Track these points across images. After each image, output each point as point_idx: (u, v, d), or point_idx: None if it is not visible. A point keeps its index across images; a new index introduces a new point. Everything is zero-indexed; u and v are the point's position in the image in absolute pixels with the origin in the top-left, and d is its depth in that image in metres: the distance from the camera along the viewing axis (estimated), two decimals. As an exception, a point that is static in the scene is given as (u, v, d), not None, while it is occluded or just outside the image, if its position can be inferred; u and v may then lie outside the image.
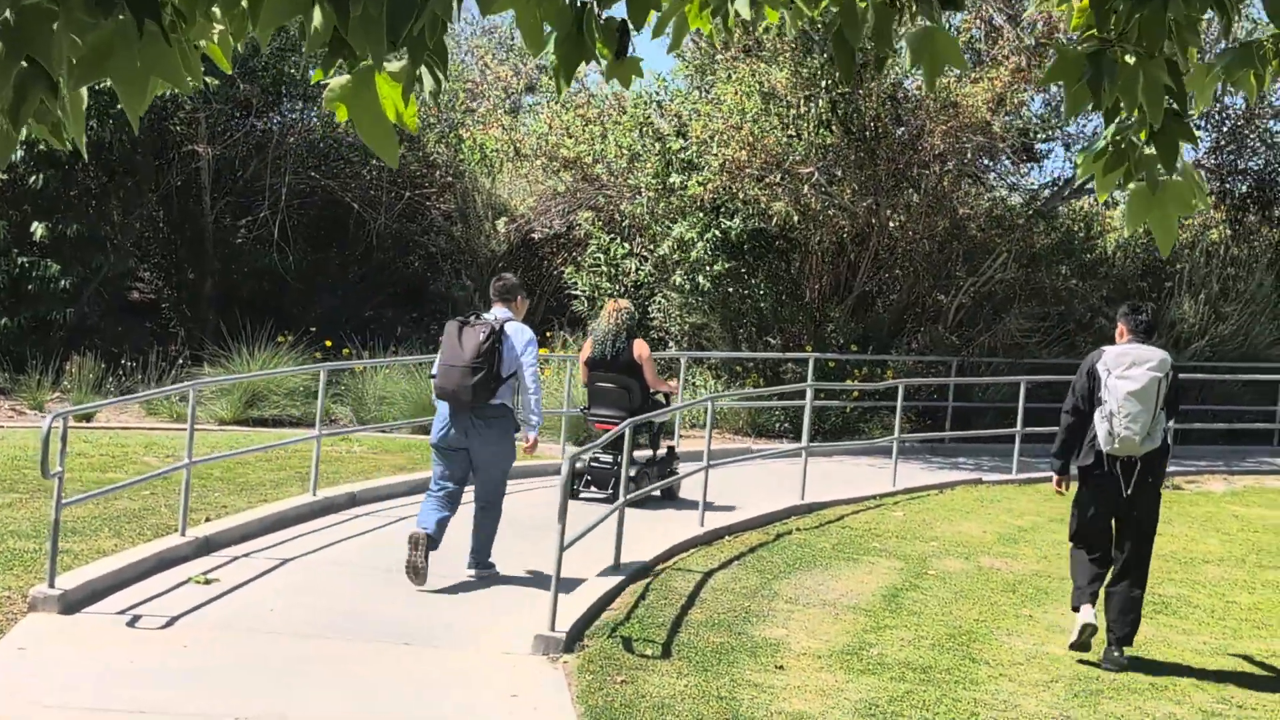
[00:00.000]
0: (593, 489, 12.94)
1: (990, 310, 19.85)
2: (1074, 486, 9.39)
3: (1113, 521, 9.09)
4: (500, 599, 9.32)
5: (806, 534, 12.07)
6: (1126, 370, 8.90)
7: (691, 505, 12.67)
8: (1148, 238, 22.26)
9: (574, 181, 20.54)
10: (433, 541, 9.52)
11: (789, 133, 17.94)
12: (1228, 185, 22.40)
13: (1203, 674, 8.76)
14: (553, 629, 8.26)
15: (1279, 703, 8.22)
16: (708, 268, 18.47)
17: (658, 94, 19.84)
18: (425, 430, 15.64)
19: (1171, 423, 9.28)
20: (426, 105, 23.03)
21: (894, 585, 10.46)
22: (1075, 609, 9.06)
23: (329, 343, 18.98)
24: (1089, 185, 21.15)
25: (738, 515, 12.38)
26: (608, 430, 11.94)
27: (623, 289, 20.39)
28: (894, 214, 18.63)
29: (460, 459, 9.79)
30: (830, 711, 7.36)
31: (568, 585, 8.62)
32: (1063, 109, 19.81)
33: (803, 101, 17.97)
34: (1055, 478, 9.56)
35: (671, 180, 18.55)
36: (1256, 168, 22.08)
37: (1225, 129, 21.59)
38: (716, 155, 17.92)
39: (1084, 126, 20.94)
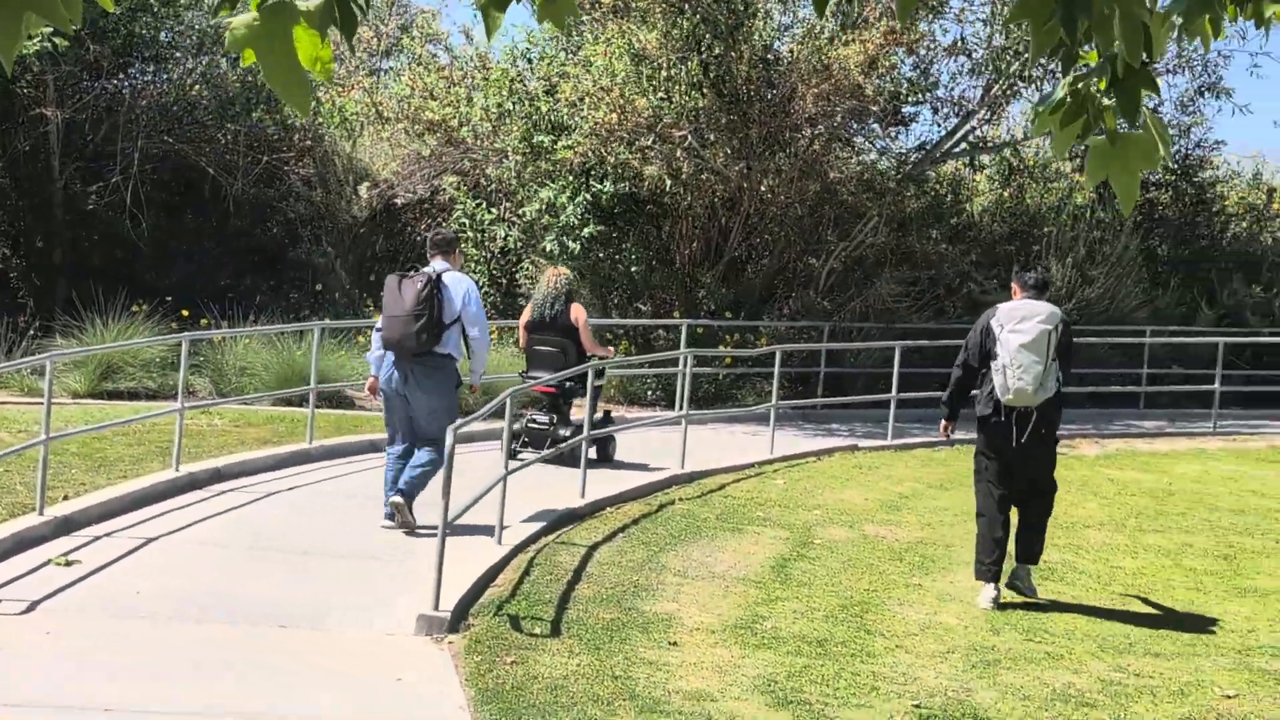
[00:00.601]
0: (529, 450, 13.09)
1: (861, 275, 19.77)
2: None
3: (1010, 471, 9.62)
4: (383, 575, 8.96)
5: (689, 504, 11.85)
6: (1018, 324, 9.35)
7: (618, 466, 13.21)
8: (1014, 202, 22.40)
9: (438, 145, 20.09)
10: (403, 502, 10.12)
11: (660, 95, 17.67)
12: (1092, 149, 22.50)
13: (1097, 641, 8.67)
14: (436, 608, 7.94)
15: (1175, 670, 8.15)
16: (578, 231, 18.15)
17: (527, 51, 19.44)
18: (289, 402, 15.20)
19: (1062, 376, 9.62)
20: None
21: (781, 555, 10.27)
22: (978, 579, 9.52)
23: (186, 312, 18.35)
24: (956, 149, 21.18)
25: (619, 486, 12.12)
26: (546, 392, 13.03)
27: (489, 255, 20.01)
28: (766, 178, 18.43)
29: (405, 406, 10.32)
30: (729, 689, 7.14)
31: (458, 561, 8.28)
32: (992, 62, 19.88)
33: (674, 63, 17.70)
34: (943, 423, 10.13)
35: (539, 140, 18.18)
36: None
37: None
38: (587, 118, 17.59)
39: (952, 90, 20.93)
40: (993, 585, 9.42)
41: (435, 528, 7.90)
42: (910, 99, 19.68)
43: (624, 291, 19.56)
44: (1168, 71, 21.77)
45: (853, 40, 17.67)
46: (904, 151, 20.69)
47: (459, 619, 8.00)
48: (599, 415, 13.75)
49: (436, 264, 10.51)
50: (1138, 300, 21.34)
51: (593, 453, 12.96)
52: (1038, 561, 9.75)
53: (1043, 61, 20.40)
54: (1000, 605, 9.33)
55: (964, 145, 21.35)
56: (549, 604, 8.48)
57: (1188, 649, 8.67)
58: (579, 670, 7.23)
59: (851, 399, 17.89)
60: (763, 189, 18.58)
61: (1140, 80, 3.58)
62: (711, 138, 17.97)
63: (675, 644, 7.83)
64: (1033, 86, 21.11)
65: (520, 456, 12.44)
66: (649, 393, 18.41)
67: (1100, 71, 3.63)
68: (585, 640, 7.77)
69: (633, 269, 18.89)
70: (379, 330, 10.46)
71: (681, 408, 14.22)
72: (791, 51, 18.09)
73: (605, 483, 12.11)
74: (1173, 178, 22.82)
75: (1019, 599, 9.57)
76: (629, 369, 18.14)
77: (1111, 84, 3.60)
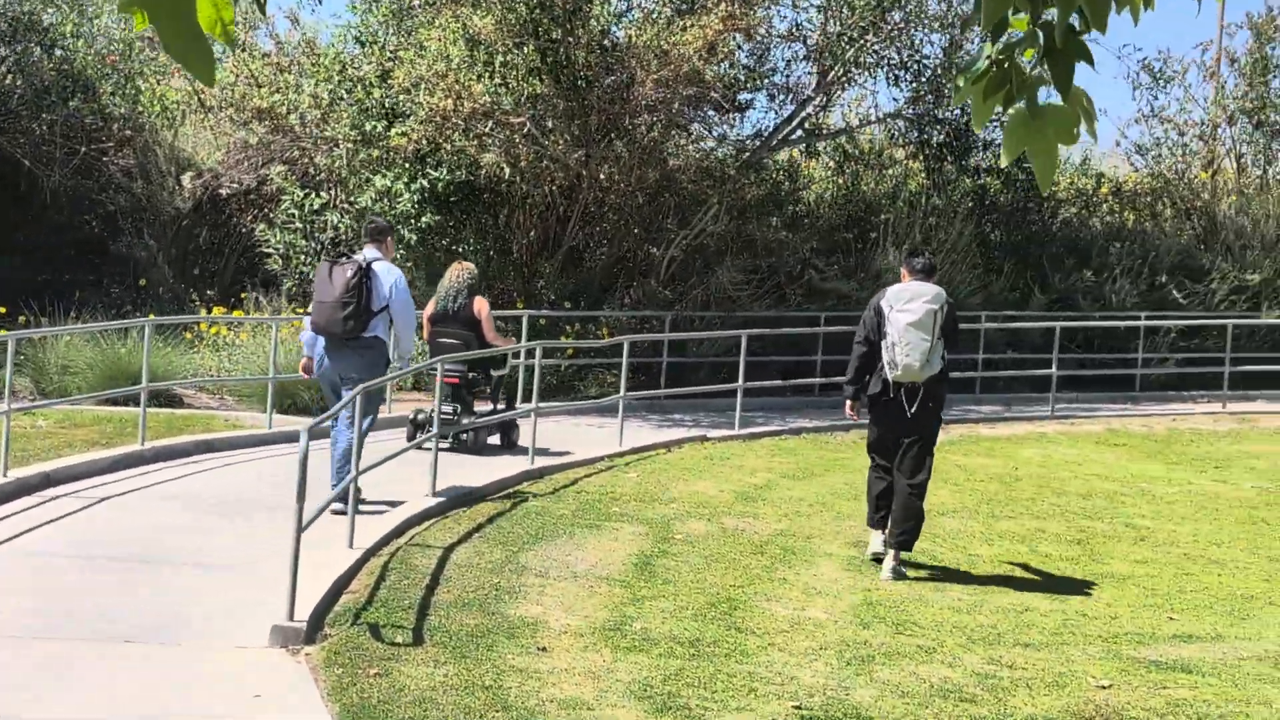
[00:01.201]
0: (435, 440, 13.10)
1: (702, 264, 19.62)
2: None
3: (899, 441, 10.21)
4: (232, 584, 8.53)
5: (544, 501, 11.56)
6: (906, 304, 9.99)
7: (522, 451, 13.19)
8: (850, 189, 22.45)
9: (265, 133, 19.50)
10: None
11: (497, 81, 17.32)
12: (926, 135, 22.64)
13: (966, 633, 8.58)
14: (291, 618, 7.55)
15: (1047, 661, 8.08)
16: (414, 221, 17.72)
17: (359, 34, 18.91)
18: (115, 402, 14.56)
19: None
20: (123, 48, 21.61)
21: (643, 552, 10.04)
22: (870, 528, 10.50)
23: (3, 309, 17.57)
24: (792, 136, 21.15)
25: (469, 482, 11.78)
26: (450, 384, 13.44)
27: (320, 246, 19.46)
28: (605, 165, 18.17)
29: (339, 386, 10.85)
30: (604, 695, 6.88)
31: (309, 566, 7.88)
32: (868, 37, 19.77)
33: (510, 49, 17.35)
34: (848, 403, 10.65)
35: (371, 127, 17.71)
36: (953, 117, 22.33)
37: (924, 78, 21.77)
38: (422, 104, 17.18)
39: (788, 76, 20.88)
40: (882, 532, 10.25)
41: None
42: (748, 85, 19.58)
43: (462, 283, 19.17)
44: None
45: (692, 25, 17.50)
46: (742, 139, 20.59)
47: (315, 629, 7.62)
48: (501, 405, 14.48)
49: (368, 252, 10.98)
50: (973, 286, 21.49)
51: (495, 439, 14.17)
52: (911, 549, 10.23)
53: (878, 48, 20.49)
54: (870, 601, 9.21)
55: (799, 132, 21.33)
56: (409, 610, 8.14)
57: (1055, 639, 8.62)
58: (447, 681, 6.91)
59: (707, 388, 17.63)
60: (602, 177, 18.33)
61: (1075, 50, 3.39)
62: (550, 125, 17.68)
63: (545, 649, 7.55)
64: (865, 72, 21.18)
65: (425, 447, 12.18)
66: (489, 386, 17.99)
67: (1030, 41, 3.44)
68: (450, 648, 7.45)
69: (471, 259, 18.50)
70: (309, 315, 11.08)
71: (530, 401, 13.91)
72: (630, 37, 17.86)
73: (457, 480, 11.77)
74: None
75: (886, 593, 9.46)
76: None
77: (1046, 53, 3.40)
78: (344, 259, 10.90)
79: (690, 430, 16.08)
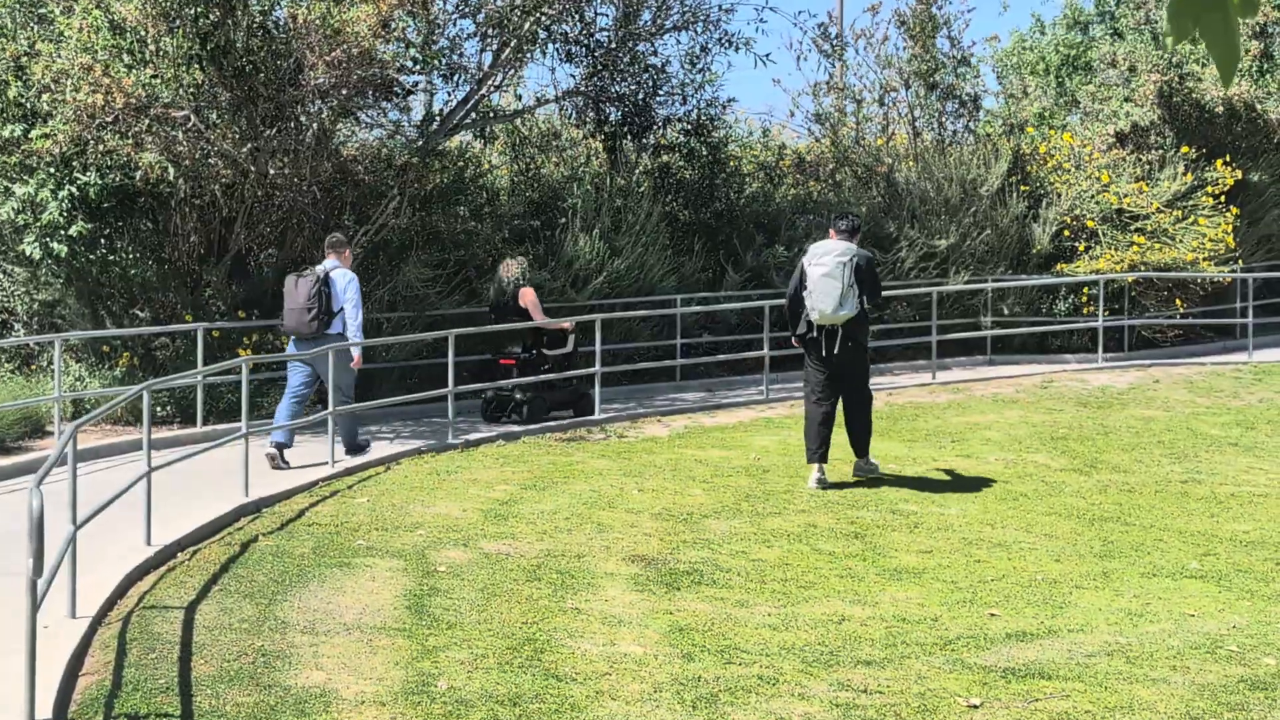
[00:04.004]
0: (500, 414, 16.87)
1: (386, 260, 18.54)
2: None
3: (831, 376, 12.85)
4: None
5: (276, 539, 10.45)
6: (820, 259, 12.56)
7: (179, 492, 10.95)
8: (532, 174, 21.69)
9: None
10: (281, 448, 13.73)
11: (150, 72, 15.87)
12: (603, 113, 22.05)
13: (796, 654, 7.96)
14: (32, 717, 6.34)
15: (897, 680, 7.52)
16: (63, 232, 16.14)
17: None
18: None
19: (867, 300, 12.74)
20: None
21: (409, 591, 9.08)
22: (808, 462, 12.97)
23: None
24: (468, 119, 20.25)
25: (184, 525, 10.55)
26: (507, 364, 16.95)
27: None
28: (275, 159, 16.91)
29: (305, 369, 14.15)
30: (440, 777, 5.94)
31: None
32: (452, 38, 18.88)
33: (163, 35, 15.93)
34: (793, 339, 13.11)
35: (10, 131, 16.06)
36: (629, 93, 21.82)
37: (599, 54, 21.18)
38: (66, 101, 15.63)
39: (463, 54, 19.94)
40: (818, 467, 12.84)
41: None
42: (424, 65, 18.56)
43: (121, 297, 17.63)
44: (675, 28, 21.57)
45: (362, 0, 16.40)
46: (419, 123, 19.56)
47: (62, 728, 6.45)
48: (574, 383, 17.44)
49: (328, 262, 14.23)
50: (665, 268, 21.03)
51: (569, 413, 17.20)
52: (867, 453, 13.19)
53: (549, 23, 19.76)
54: (678, 626, 8.47)
55: (473, 116, 20.43)
56: (169, 692, 7.01)
57: (892, 652, 8.08)
58: (249, 780, 5.87)
59: (411, 397, 16.50)
60: (271, 172, 17.04)
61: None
62: (215, 117, 16.33)
63: (350, 726, 6.56)
64: (538, 48, 20.42)
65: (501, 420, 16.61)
66: (158, 408, 16.56)
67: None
68: (237, 736, 6.39)
69: (131, 271, 17.00)
70: (280, 321, 14.65)
71: (241, 423, 12.71)
72: (296, 16, 16.63)
73: (171, 521, 10.52)
74: (684, 138, 22.61)
75: (690, 615, 8.76)
76: (189, 380, 16.25)
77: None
78: (306, 271, 14.09)
79: (404, 444, 15.08)
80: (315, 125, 17.29)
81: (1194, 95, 25.23)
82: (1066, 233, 23.87)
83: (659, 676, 7.48)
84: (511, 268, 16.94)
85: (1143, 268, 22.86)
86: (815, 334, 12.67)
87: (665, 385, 20.24)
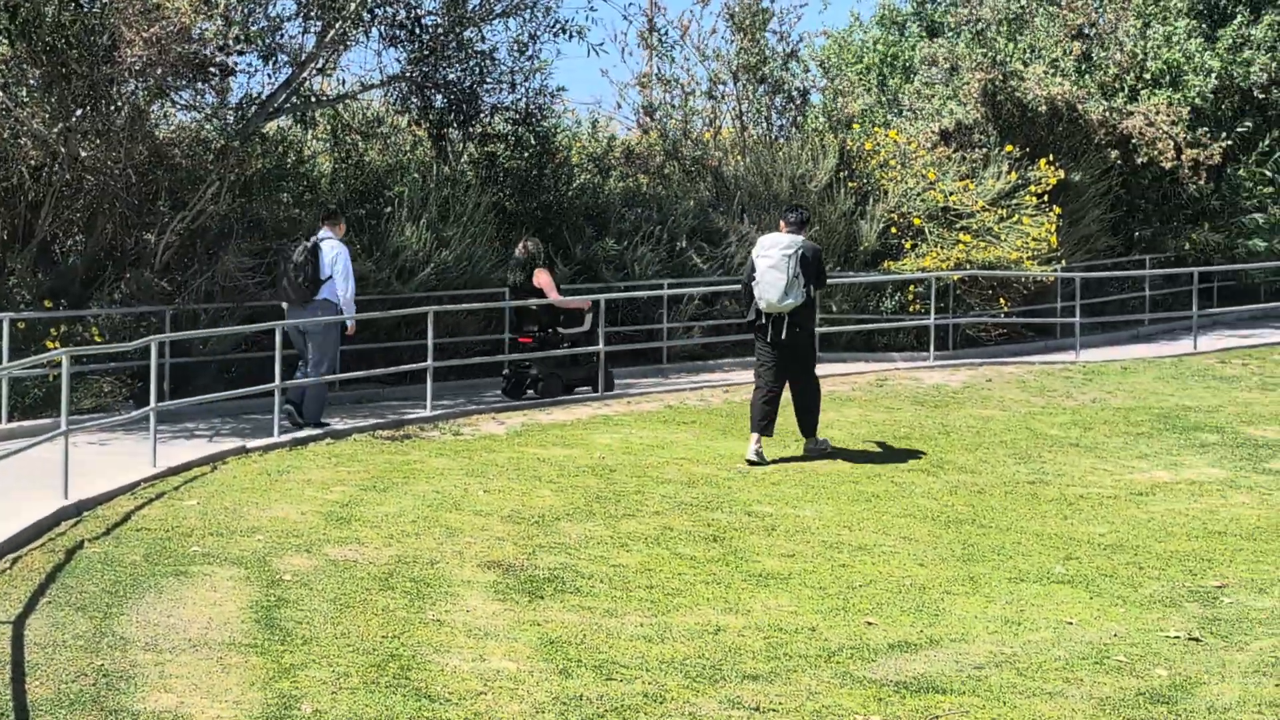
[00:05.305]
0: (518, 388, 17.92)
1: (204, 249, 17.73)
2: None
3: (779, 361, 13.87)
4: None
5: (104, 545, 9.77)
6: (767, 251, 13.62)
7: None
8: (356, 161, 21.05)
9: None
10: (297, 408, 15.02)
11: (-49, 45, 14.97)
12: (428, 100, 21.43)
13: (678, 669, 7.61)
14: None
15: (789, 696, 7.23)
16: None
17: None
18: None
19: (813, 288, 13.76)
20: None
21: (256, 602, 8.52)
22: (751, 431, 13.89)
23: None
24: (287, 104, 19.53)
25: (4, 529, 9.81)
26: (525, 342, 17.89)
27: None
28: (87, 140, 16.04)
29: (301, 339, 15.08)
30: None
31: None
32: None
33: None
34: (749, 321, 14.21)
35: None
36: (456, 79, 21.22)
37: (425, 38, 20.55)
38: None
39: (286, 34, 19.19)
40: (757, 437, 13.77)
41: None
42: (245, 44, 17.79)
43: (-84, 286, 16.60)
44: (504, 14, 21.05)
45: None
46: (239, 105, 18.73)
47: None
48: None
49: (322, 233, 15.31)
50: (494, 260, 20.49)
51: (587, 389, 18.15)
52: (814, 433, 14.20)
53: (374, 6, 19.14)
54: (549, 639, 8.05)
55: (295, 100, 19.68)
56: (4, 717, 6.38)
57: (776, 665, 7.78)
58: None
59: (242, 392, 15.61)
60: (83, 154, 16.17)
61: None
62: (24, 95, 15.44)
63: (210, 755, 6.03)
64: (361, 30, 19.76)
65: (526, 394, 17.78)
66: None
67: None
68: (87, 769, 5.82)
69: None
70: (272, 288, 16.04)
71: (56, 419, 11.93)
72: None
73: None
74: (512, 127, 22.08)
75: (559, 626, 8.34)
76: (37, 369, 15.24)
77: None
78: (300, 240, 15.38)
79: (223, 442, 14.39)
80: (129, 106, 16.47)
81: (1017, 94, 25.45)
82: (894, 230, 23.86)
83: (538, 695, 7.06)
84: (522, 249, 17.83)
85: (968, 266, 22.95)
86: (764, 321, 13.75)
87: (495, 381, 19.73)
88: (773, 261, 13.49)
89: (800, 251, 13.52)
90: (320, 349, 15.01)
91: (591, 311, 18.16)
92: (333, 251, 15.03)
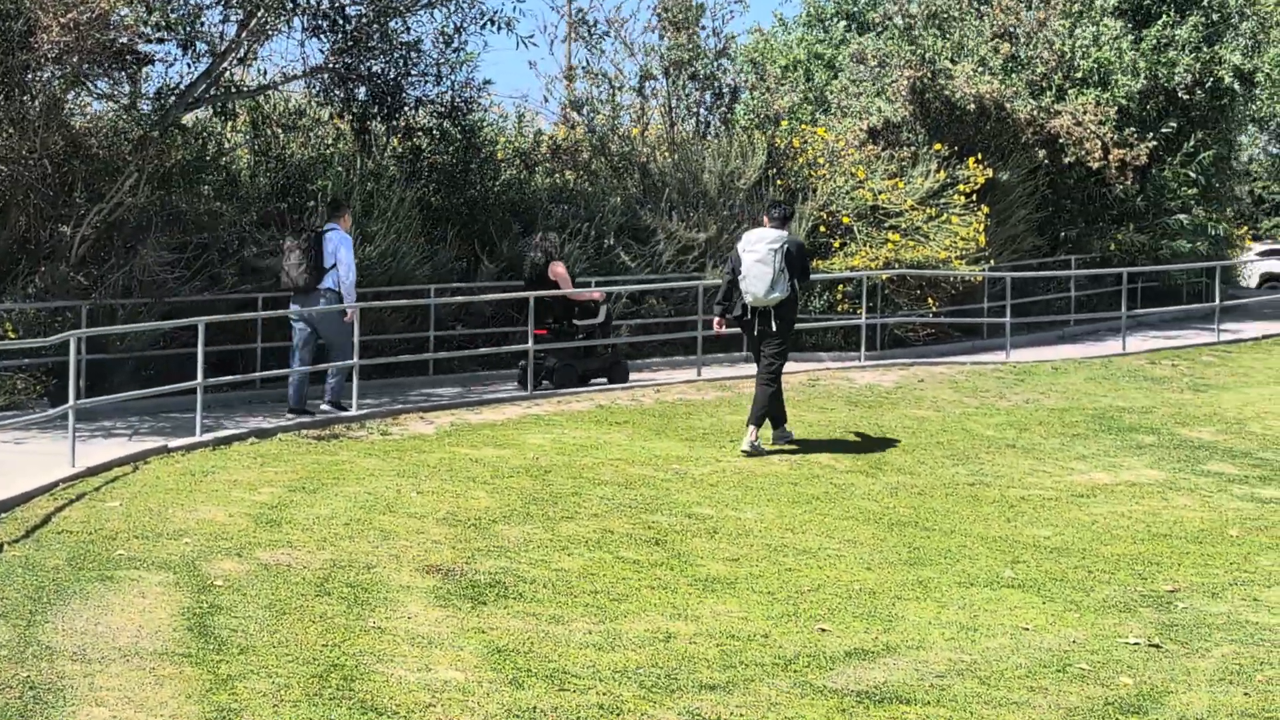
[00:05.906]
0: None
1: (122, 242, 17.28)
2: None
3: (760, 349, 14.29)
4: None
5: (22, 549, 9.39)
6: (752, 245, 13.96)
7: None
8: (276, 153, 20.63)
9: None
10: (302, 401, 15.73)
11: None
12: (351, 92, 21.03)
13: (631, 678, 7.38)
14: None
15: (751, 708, 7.05)
16: None
17: None
18: None
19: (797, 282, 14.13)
20: None
21: (187, 609, 8.19)
22: (748, 424, 14.32)
23: None
24: (207, 95, 19.10)
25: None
26: (540, 334, 17.92)
27: None
28: (1, 129, 15.58)
29: (303, 328, 15.74)
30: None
31: None
32: None
33: None
34: (716, 320, 14.89)
35: None
36: (380, 71, 20.83)
37: (348, 29, 20.15)
38: None
39: (206, 23, 18.76)
40: (754, 430, 14.16)
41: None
42: (166, 31, 17.36)
43: None
44: (429, 4, 20.70)
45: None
46: (158, 95, 18.26)
47: None
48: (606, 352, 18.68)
49: (327, 224, 16.00)
50: (418, 256, 20.15)
51: (602, 380, 18.45)
52: (761, 425, 14.28)
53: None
54: (496, 647, 7.79)
55: (214, 91, 19.24)
56: (-75, 736, 6.05)
57: (733, 673, 7.58)
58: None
59: (164, 389, 15.21)
60: (-3, 143, 15.70)
61: None
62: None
63: (149, 774, 5.72)
64: (283, 19, 19.35)
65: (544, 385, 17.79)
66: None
67: None
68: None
69: None
70: (278, 275, 16.28)
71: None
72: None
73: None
74: (438, 120, 21.72)
75: (505, 633, 8.08)
76: None
77: None
78: (304, 231, 16.07)
79: (146, 441, 14.00)
80: (44, 94, 16.02)
81: (945, 92, 25.42)
82: (823, 229, 23.73)
83: (489, 707, 6.79)
84: (538, 243, 18.31)
85: (897, 265, 22.87)
86: (749, 316, 14.15)
87: (419, 380, 19.41)
88: (759, 256, 13.84)
89: (785, 246, 13.90)
90: (334, 335, 15.84)
91: (606, 303, 18.64)
92: (334, 242, 15.60)
